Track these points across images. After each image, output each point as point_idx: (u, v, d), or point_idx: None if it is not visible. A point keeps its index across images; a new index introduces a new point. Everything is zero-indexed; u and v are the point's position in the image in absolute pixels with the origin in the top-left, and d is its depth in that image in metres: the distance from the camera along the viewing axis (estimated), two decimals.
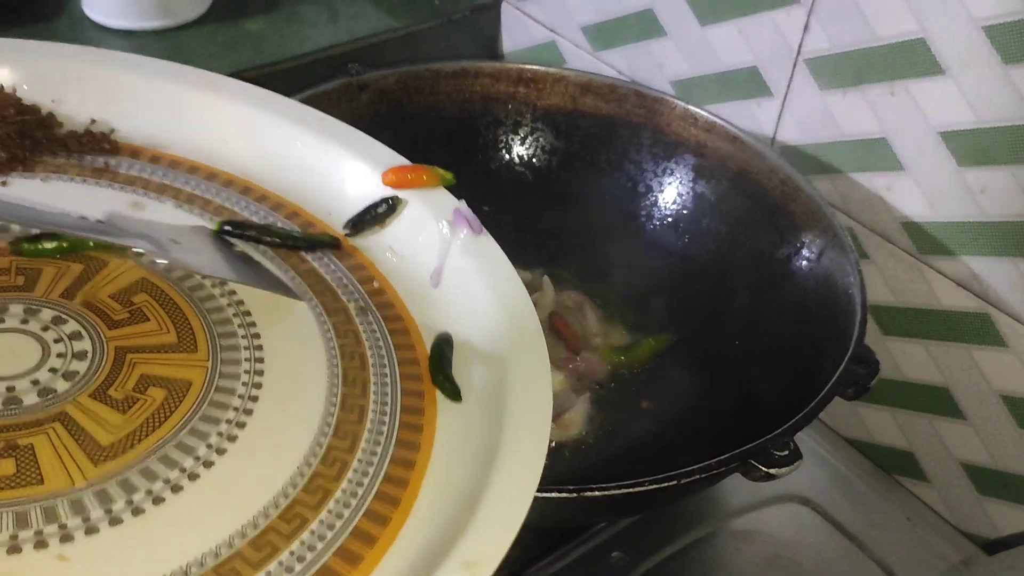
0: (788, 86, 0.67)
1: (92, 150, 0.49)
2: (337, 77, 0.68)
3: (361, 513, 0.35)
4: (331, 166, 0.50)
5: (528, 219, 0.74)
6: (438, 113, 0.72)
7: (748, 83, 0.69)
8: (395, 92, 0.71)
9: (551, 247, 0.74)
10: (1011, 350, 0.60)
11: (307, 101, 0.65)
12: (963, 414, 0.64)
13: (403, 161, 0.50)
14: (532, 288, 0.72)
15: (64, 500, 0.33)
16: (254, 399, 0.38)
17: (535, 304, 0.68)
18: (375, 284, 0.46)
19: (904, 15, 0.58)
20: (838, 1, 0.61)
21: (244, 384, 0.39)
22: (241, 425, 0.37)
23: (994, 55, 0.55)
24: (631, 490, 0.45)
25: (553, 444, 0.62)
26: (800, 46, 0.65)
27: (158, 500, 0.34)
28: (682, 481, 0.46)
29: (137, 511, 0.33)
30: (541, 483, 0.44)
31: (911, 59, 0.59)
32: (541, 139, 0.75)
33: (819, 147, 0.67)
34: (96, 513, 0.33)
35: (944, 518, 0.67)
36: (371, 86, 0.69)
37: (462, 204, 0.47)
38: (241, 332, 0.41)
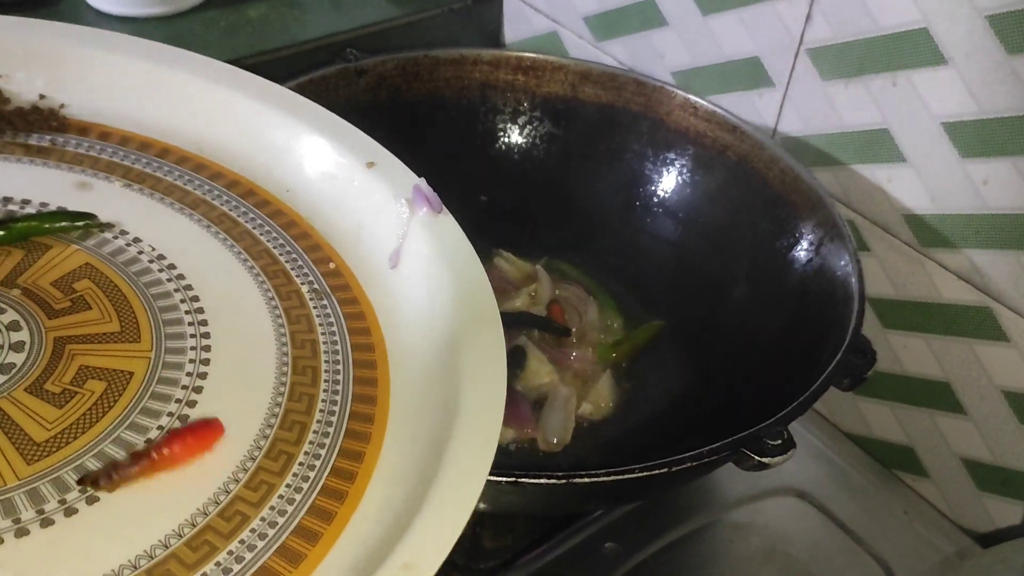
0: (790, 76, 0.66)
1: (39, 128, 0.47)
2: (335, 62, 0.68)
3: (305, 509, 0.34)
4: (289, 142, 0.48)
5: (526, 208, 0.74)
6: (437, 100, 0.72)
7: (750, 74, 0.69)
8: (394, 78, 0.70)
9: (548, 236, 0.74)
10: (1013, 344, 0.60)
11: (305, 86, 0.65)
12: (964, 409, 0.63)
13: (363, 137, 0.48)
14: (529, 279, 0.71)
15: None
16: (198, 390, 0.36)
17: (533, 296, 0.69)
18: (331, 265, 0.44)
19: (907, 5, 0.58)
20: None
21: (188, 375, 0.37)
22: (183, 419, 0.35)
23: (997, 45, 0.54)
24: (620, 477, 0.45)
25: (557, 440, 0.62)
26: (802, 36, 0.64)
27: (92, 500, 0.32)
28: (673, 469, 0.45)
29: (70, 511, 0.32)
30: (529, 470, 0.45)
31: (913, 49, 0.58)
32: (540, 127, 0.75)
33: (820, 138, 0.66)
34: (27, 514, 0.31)
35: (941, 512, 0.67)
36: (369, 72, 0.69)
37: (422, 182, 0.45)
38: (188, 319, 0.39)
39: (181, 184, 0.47)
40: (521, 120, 0.75)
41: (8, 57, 0.49)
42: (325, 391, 0.38)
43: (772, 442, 0.47)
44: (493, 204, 0.74)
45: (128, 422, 0.35)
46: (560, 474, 0.45)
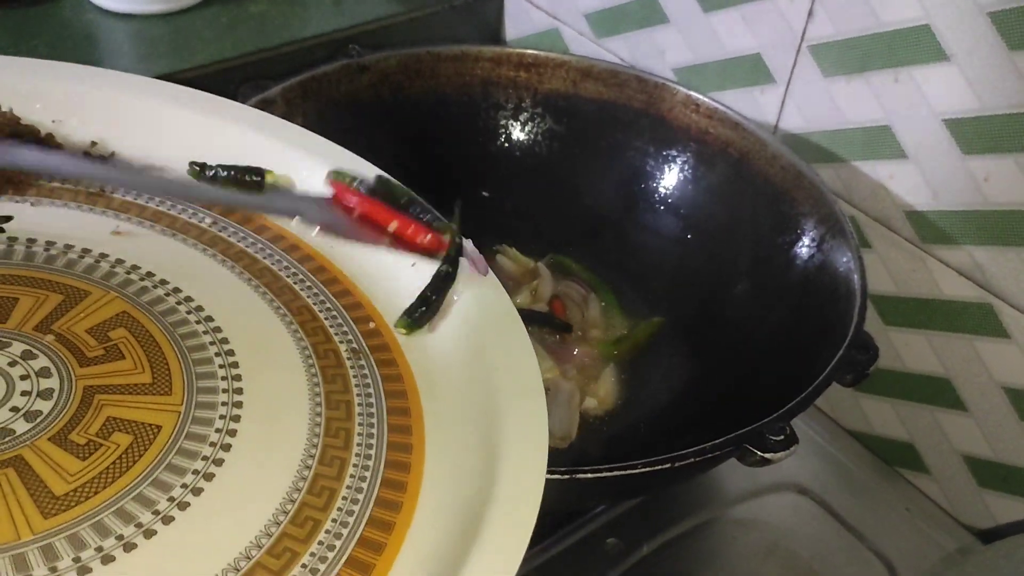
0: (791, 73, 0.66)
1: None
2: (337, 59, 0.67)
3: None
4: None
5: (527, 204, 0.74)
6: (438, 97, 0.72)
7: (751, 70, 0.69)
8: (395, 75, 0.70)
9: (550, 232, 0.74)
10: (1014, 341, 0.60)
11: (307, 82, 0.65)
12: (965, 406, 0.63)
13: (365, 165, 0.48)
14: (531, 275, 0.71)
15: (5, 556, 0.30)
16: (227, 448, 0.35)
17: (535, 292, 0.69)
18: (371, 325, 0.43)
19: (909, 1, 0.58)
20: None
21: (218, 431, 0.36)
22: (209, 477, 0.34)
23: (999, 41, 0.54)
24: (623, 473, 0.45)
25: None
26: (804, 32, 0.64)
27: (107, 559, 0.31)
28: (676, 464, 0.45)
29: (84, 571, 0.30)
30: None
31: (916, 45, 0.58)
32: (541, 124, 0.74)
33: (822, 135, 0.66)
34: (39, 571, 0.30)
35: (943, 508, 0.67)
36: (371, 68, 0.69)
37: (468, 243, 0.44)
38: (222, 373, 0.38)
39: (225, 236, 0.46)
40: (523, 117, 0.74)
41: (63, 104, 0.49)
42: (357, 455, 0.37)
43: (775, 438, 0.47)
44: (495, 200, 0.74)
45: (152, 479, 0.34)
46: (563, 470, 0.45)
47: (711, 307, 0.67)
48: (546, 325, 0.67)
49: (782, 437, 0.47)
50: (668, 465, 0.45)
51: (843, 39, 0.62)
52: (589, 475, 0.45)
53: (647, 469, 0.45)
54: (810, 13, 0.63)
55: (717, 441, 0.47)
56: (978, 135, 0.57)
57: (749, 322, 0.65)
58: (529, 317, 0.67)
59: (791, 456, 0.47)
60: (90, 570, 0.31)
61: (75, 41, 0.73)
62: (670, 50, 0.74)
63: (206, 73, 0.71)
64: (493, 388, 0.39)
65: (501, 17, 0.88)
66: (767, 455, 0.46)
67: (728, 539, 0.61)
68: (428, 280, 0.43)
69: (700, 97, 0.70)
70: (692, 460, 0.46)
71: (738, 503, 0.63)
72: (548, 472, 0.44)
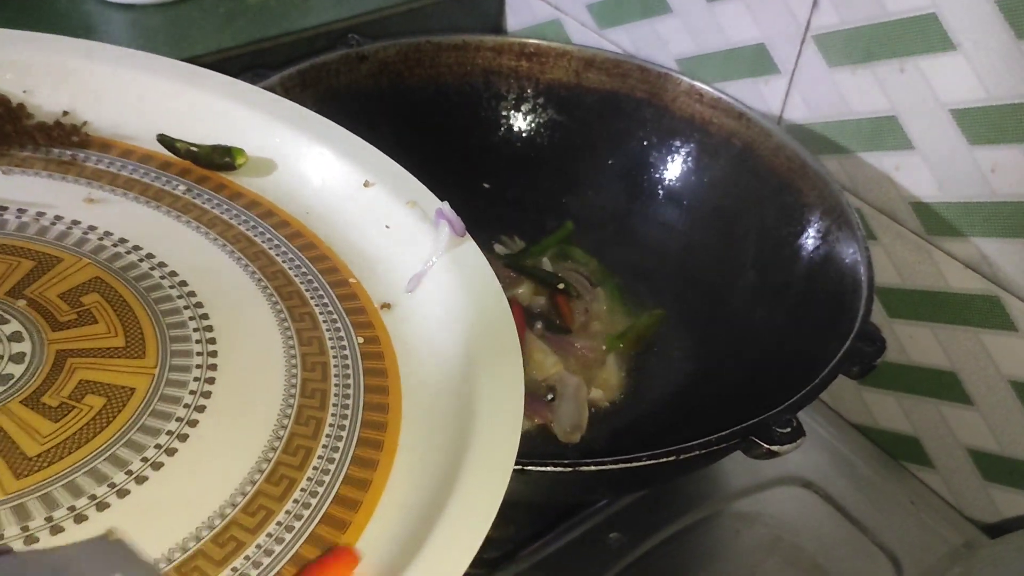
0: (796, 63, 0.66)
1: (61, 143, 0.47)
2: (337, 48, 0.67)
3: (305, 536, 0.32)
4: (312, 165, 0.48)
5: (529, 195, 0.74)
6: (439, 86, 0.71)
7: (755, 61, 0.68)
8: (396, 64, 0.70)
9: (552, 224, 0.74)
10: (1021, 334, 0.59)
11: (306, 72, 0.64)
12: (970, 399, 0.63)
13: (385, 159, 0.48)
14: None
15: None
16: (200, 409, 0.36)
17: (536, 286, 0.69)
18: (347, 288, 0.43)
19: None
20: None
21: (192, 393, 0.36)
22: (183, 437, 0.34)
23: (1007, 30, 0.54)
24: (628, 465, 0.44)
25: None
26: (809, 22, 0.64)
27: (80, 518, 0.31)
28: (681, 456, 0.45)
29: (56, 529, 0.31)
30: (537, 457, 0.44)
31: (922, 35, 0.58)
32: (544, 114, 0.74)
33: (827, 126, 0.65)
34: (11, 530, 0.30)
35: (948, 502, 0.66)
36: (371, 57, 0.68)
37: (445, 205, 0.44)
38: (196, 337, 0.38)
39: (199, 203, 0.46)
40: (525, 107, 0.74)
41: (34, 72, 0.49)
42: (333, 415, 0.37)
43: (781, 430, 0.46)
44: (496, 191, 0.74)
45: (125, 439, 0.34)
46: (567, 462, 0.44)
47: (716, 299, 0.67)
48: (547, 326, 0.67)
49: (788, 429, 0.47)
50: (673, 457, 0.45)
51: (848, 29, 0.62)
52: (593, 467, 0.44)
53: (652, 461, 0.45)
54: (815, 3, 0.63)
55: (723, 433, 0.46)
56: (985, 125, 0.57)
57: (754, 314, 0.64)
58: (530, 315, 0.67)
59: (796, 449, 0.47)
60: (63, 529, 0.31)
61: (73, 31, 0.71)
62: (673, 41, 0.73)
63: (205, 63, 0.69)
64: (469, 348, 0.39)
65: (502, 8, 0.88)
66: (773, 447, 0.46)
67: (732, 533, 0.61)
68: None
69: (704, 87, 0.69)
70: (697, 452, 0.45)
71: (742, 497, 0.62)
72: (553, 465, 0.44)
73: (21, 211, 0.43)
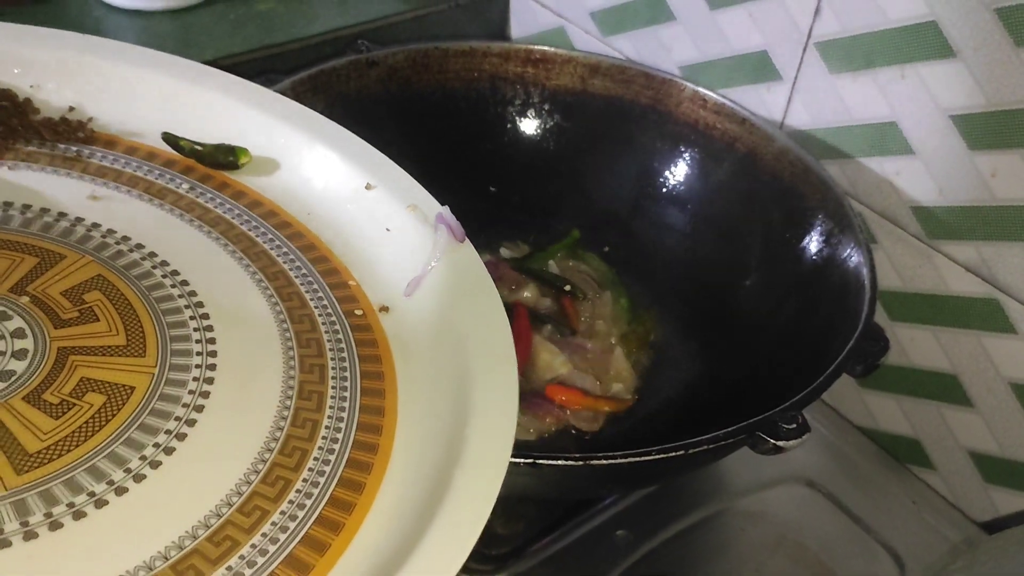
0: (798, 70, 0.67)
1: (66, 139, 0.47)
2: (346, 54, 0.68)
3: (299, 538, 0.33)
4: (314, 166, 0.48)
5: (535, 199, 0.75)
6: (447, 92, 0.72)
7: (757, 67, 0.69)
8: (404, 70, 0.71)
9: (558, 227, 0.74)
10: (1021, 337, 0.60)
11: (316, 77, 0.65)
12: (971, 402, 0.64)
13: (387, 162, 0.47)
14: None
15: None
16: (199, 409, 0.36)
17: (541, 288, 0.70)
18: (347, 291, 0.43)
19: None
20: None
21: (191, 393, 0.36)
22: (181, 437, 0.35)
23: (1006, 37, 0.55)
24: (637, 460, 0.45)
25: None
26: (810, 29, 0.65)
27: (79, 515, 0.31)
28: (690, 451, 0.46)
29: (55, 525, 0.31)
30: (545, 451, 0.45)
31: (922, 42, 0.59)
32: (549, 120, 0.75)
33: (828, 131, 0.66)
34: (11, 526, 0.30)
35: (950, 502, 0.67)
36: (380, 63, 0.69)
37: (445, 209, 0.44)
38: (196, 336, 0.38)
39: (203, 201, 0.46)
40: (531, 112, 0.75)
41: (40, 68, 0.49)
42: (330, 418, 0.37)
43: (787, 426, 0.47)
44: (503, 195, 0.74)
45: (124, 437, 0.34)
46: (577, 455, 0.45)
47: (721, 301, 0.68)
48: (553, 326, 0.68)
49: (794, 426, 0.47)
50: (682, 452, 0.46)
51: (849, 36, 0.63)
52: (604, 461, 0.45)
53: (661, 456, 0.45)
54: (816, 10, 0.64)
55: (730, 429, 0.47)
56: (984, 131, 0.58)
57: (759, 315, 0.65)
58: (536, 317, 0.67)
59: (801, 447, 0.48)
60: (61, 525, 0.31)
61: None
62: (676, 48, 0.74)
63: None
64: (466, 355, 0.39)
65: (507, 16, 0.89)
66: (780, 443, 0.47)
67: (736, 531, 0.61)
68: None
69: (707, 93, 0.70)
70: (706, 447, 0.46)
71: (746, 495, 0.63)
72: (564, 459, 0.45)
73: (26, 207, 0.43)
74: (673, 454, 0.45)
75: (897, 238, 0.64)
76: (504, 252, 0.73)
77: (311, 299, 0.42)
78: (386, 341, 0.41)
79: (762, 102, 0.70)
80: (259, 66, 0.72)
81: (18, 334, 0.36)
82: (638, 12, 0.76)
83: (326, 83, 0.66)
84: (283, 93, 0.62)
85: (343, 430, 0.37)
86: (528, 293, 0.69)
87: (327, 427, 0.37)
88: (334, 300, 0.43)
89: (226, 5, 0.78)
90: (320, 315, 0.42)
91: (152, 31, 0.75)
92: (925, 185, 0.62)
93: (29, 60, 0.49)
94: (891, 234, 0.65)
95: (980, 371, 0.63)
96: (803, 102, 0.67)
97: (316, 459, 0.35)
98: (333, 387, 0.38)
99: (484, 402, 0.36)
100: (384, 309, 0.43)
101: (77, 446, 0.33)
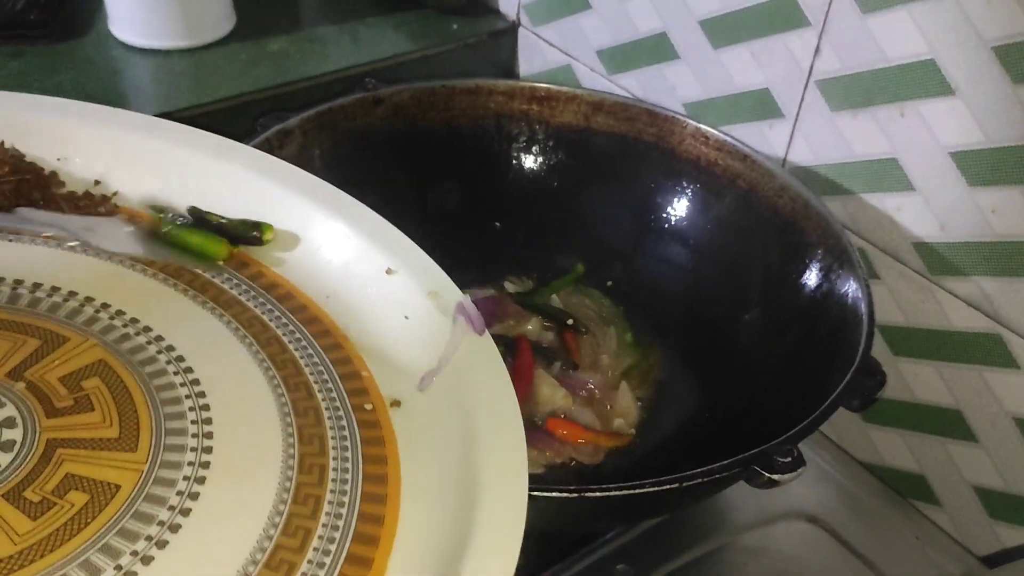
0: (799, 107, 0.67)
1: (88, 212, 0.47)
2: (354, 91, 0.69)
3: None
4: (335, 247, 0.47)
5: (539, 234, 0.75)
6: (452, 129, 0.73)
7: (760, 105, 0.70)
8: (410, 107, 0.72)
9: (561, 262, 0.75)
10: (1023, 371, 0.60)
11: (324, 114, 0.66)
12: (975, 436, 0.63)
13: (412, 246, 0.46)
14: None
15: None
16: (185, 513, 0.34)
17: (545, 323, 0.70)
18: (359, 382, 0.42)
19: (914, 36, 0.59)
20: (849, 23, 0.62)
21: (179, 494, 0.34)
22: (162, 544, 0.33)
23: (1004, 75, 0.55)
24: (632, 492, 0.45)
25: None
26: (811, 68, 0.66)
27: None
28: (684, 484, 0.46)
29: None
30: (541, 483, 0.45)
31: (921, 80, 0.59)
32: (554, 156, 0.76)
33: (830, 168, 0.67)
34: None
35: (954, 538, 0.66)
36: (386, 101, 0.70)
37: (466, 299, 0.43)
38: (192, 430, 0.37)
39: (218, 282, 0.45)
40: (535, 149, 0.76)
41: (68, 141, 0.49)
42: (324, 526, 0.35)
43: (782, 459, 0.47)
44: (507, 231, 0.75)
45: (101, 544, 0.32)
46: (572, 488, 0.45)
47: (722, 335, 0.68)
48: (555, 360, 0.68)
49: (789, 459, 0.47)
50: (676, 485, 0.46)
51: (849, 74, 0.63)
52: (598, 493, 0.45)
53: (655, 488, 0.45)
54: (817, 49, 0.65)
55: (725, 462, 0.47)
56: (984, 167, 0.58)
57: (759, 349, 0.65)
58: (539, 351, 0.68)
59: (804, 482, 0.48)
60: None
61: (100, 76, 0.74)
62: (680, 86, 0.75)
63: (227, 107, 0.72)
64: (475, 461, 0.37)
65: (514, 54, 0.90)
66: (775, 476, 0.47)
67: (738, 566, 0.61)
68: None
69: (709, 130, 0.71)
70: (700, 480, 0.46)
71: (748, 531, 0.63)
72: (559, 490, 0.45)
73: (36, 286, 0.42)
74: (668, 487, 0.46)
75: (899, 273, 0.65)
76: (508, 286, 0.73)
77: (319, 390, 0.41)
78: (394, 441, 0.40)
79: (765, 139, 0.70)
80: (270, 104, 0.73)
81: (8, 423, 0.35)
82: (643, 51, 0.77)
83: (332, 120, 0.67)
84: (291, 131, 0.64)
85: (336, 540, 0.35)
86: (531, 327, 0.70)
87: (320, 536, 0.35)
88: (343, 392, 0.41)
89: (239, 45, 0.80)
90: (327, 408, 0.40)
91: (167, 69, 0.76)
92: (926, 221, 0.62)
93: (56, 132, 0.49)
94: (893, 269, 0.65)
95: (983, 406, 0.62)
96: (805, 139, 0.68)
97: (304, 574, 0.34)
98: (332, 491, 0.37)
99: (490, 516, 0.35)
100: (395, 404, 0.41)
101: (51, 551, 0.32)
